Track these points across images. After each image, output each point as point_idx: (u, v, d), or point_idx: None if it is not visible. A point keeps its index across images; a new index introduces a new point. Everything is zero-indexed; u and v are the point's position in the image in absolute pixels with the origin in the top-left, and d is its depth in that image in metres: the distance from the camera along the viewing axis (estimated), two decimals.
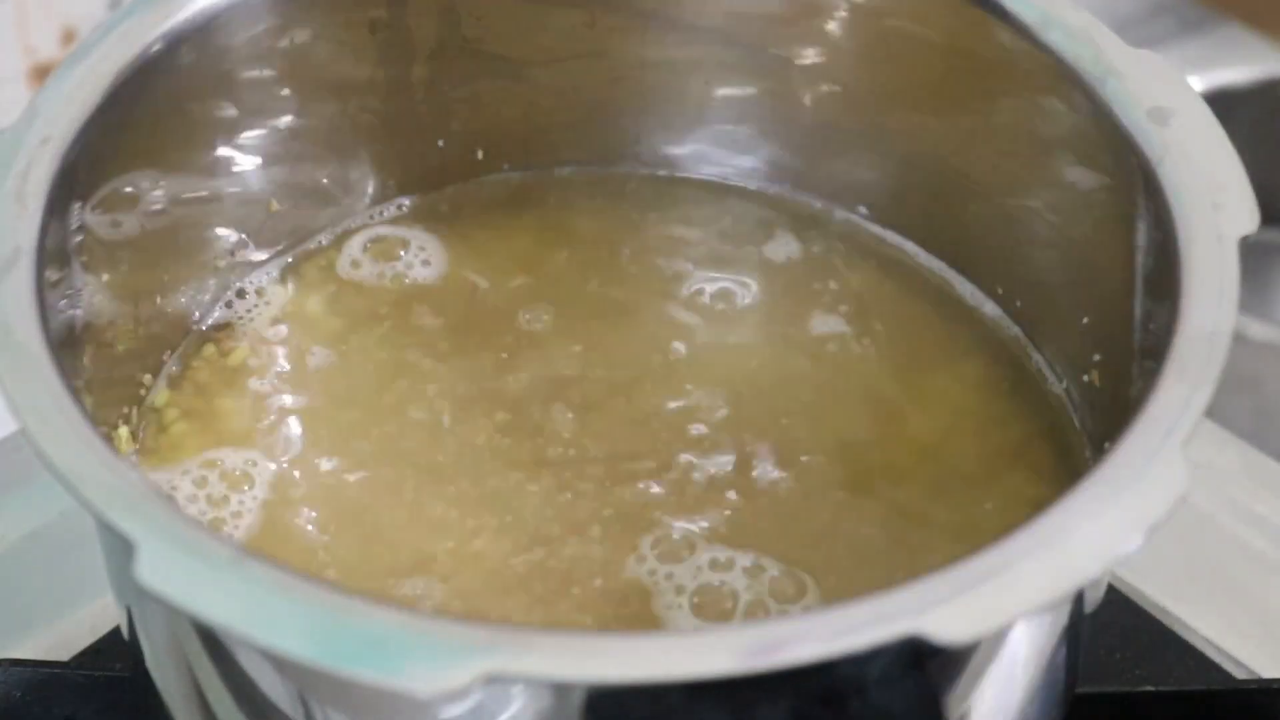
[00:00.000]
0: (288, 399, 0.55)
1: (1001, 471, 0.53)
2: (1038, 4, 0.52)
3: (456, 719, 0.40)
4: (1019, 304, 0.56)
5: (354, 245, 0.59)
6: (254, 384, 0.55)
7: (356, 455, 0.53)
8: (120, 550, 0.41)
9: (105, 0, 0.95)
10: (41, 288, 0.45)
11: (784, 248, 0.59)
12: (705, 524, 0.51)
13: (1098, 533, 0.40)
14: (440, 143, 0.60)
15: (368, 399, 0.55)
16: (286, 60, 0.55)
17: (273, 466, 0.53)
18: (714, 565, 0.50)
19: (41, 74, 0.93)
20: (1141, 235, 0.49)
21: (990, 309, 0.57)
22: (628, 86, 0.59)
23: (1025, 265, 0.56)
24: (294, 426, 0.55)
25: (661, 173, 0.61)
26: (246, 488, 0.52)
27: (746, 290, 0.59)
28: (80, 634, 0.60)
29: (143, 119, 0.51)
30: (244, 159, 0.56)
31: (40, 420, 0.42)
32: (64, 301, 0.48)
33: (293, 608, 0.38)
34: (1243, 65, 1.02)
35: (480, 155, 0.60)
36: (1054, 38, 0.51)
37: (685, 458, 0.53)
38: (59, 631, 0.60)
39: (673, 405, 0.55)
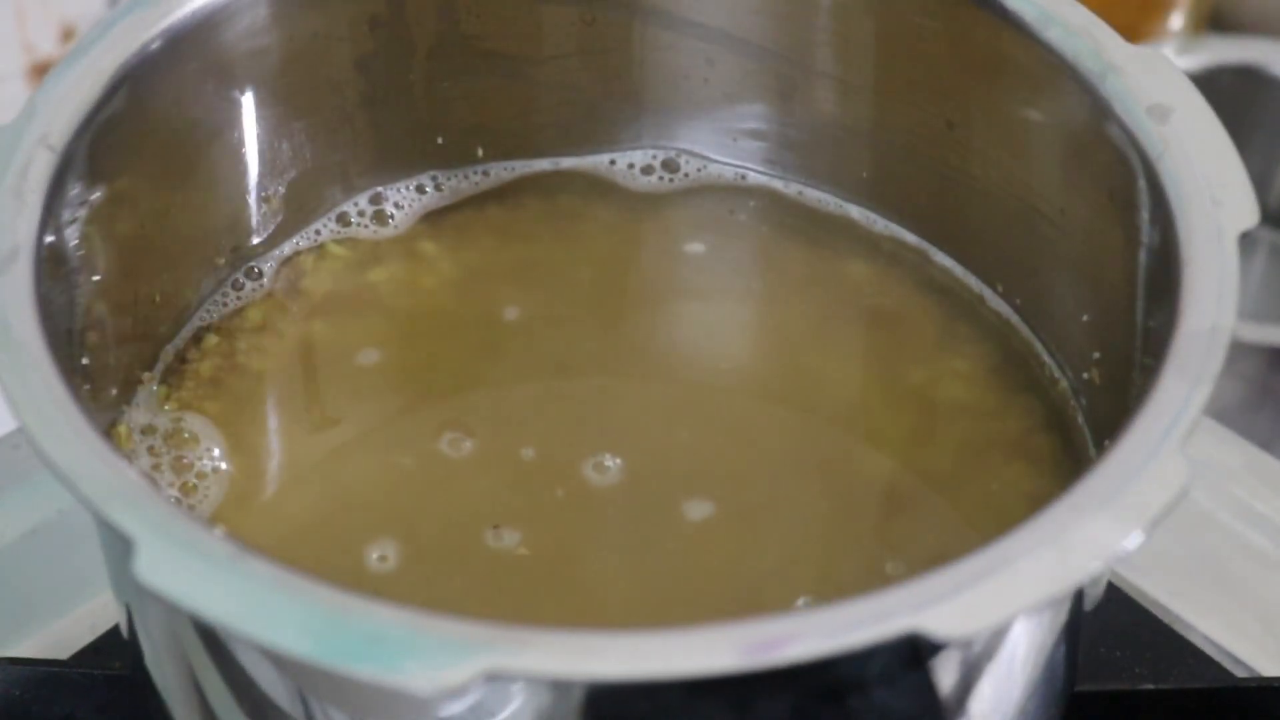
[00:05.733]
0: (288, 393, 0.55)
1: (1001, 464, 0.53)
2: (1037, 1, 0.52)
3: (456, 716, 0.40)
4: (1019, 300, 0.56)
5: (353, 241, 0.59)
6: (253, 379, 0.55)
7: (352, 443, 0.53)
8: (119, 548, 0.41)
9: None
10: (40, 285, 0.45)
11: (784, 242, 0.59)
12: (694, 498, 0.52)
13: (1098, 529, 0.40)
14: (439, 139, 0.60)
15: (365, 391, 0.55)
16: (286, 56, 0.55)
17: (271, 459, 0.53)
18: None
19: (40, 71, 0.93)
20: (1141, 232, 0.49)
21: (992, 302, 0.57)
22: (626, 83, 0.59)
23: (1024, 261, 0.56)
24: (294, 419, 0.55)
25: (660, 168, 0.61)
26: (245, 480, 0.52)
27: (746, 284, 0.59)
28: (79, 632, 0.60)
29: (142, 116, 0.51)
30: (243, 155, 0.56)
31: (39, 417, 0.42)
32: (63, 298, 0.48)
33: (292, 605, 0.38)
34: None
35: (480, 152, 0.60)
36: (1053, 35, 0.51)
37: (681, 440, 0.53)
38: (58, 630, 0.60)
39: (670, 397, 0.55)
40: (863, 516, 0.52)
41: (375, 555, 0.51)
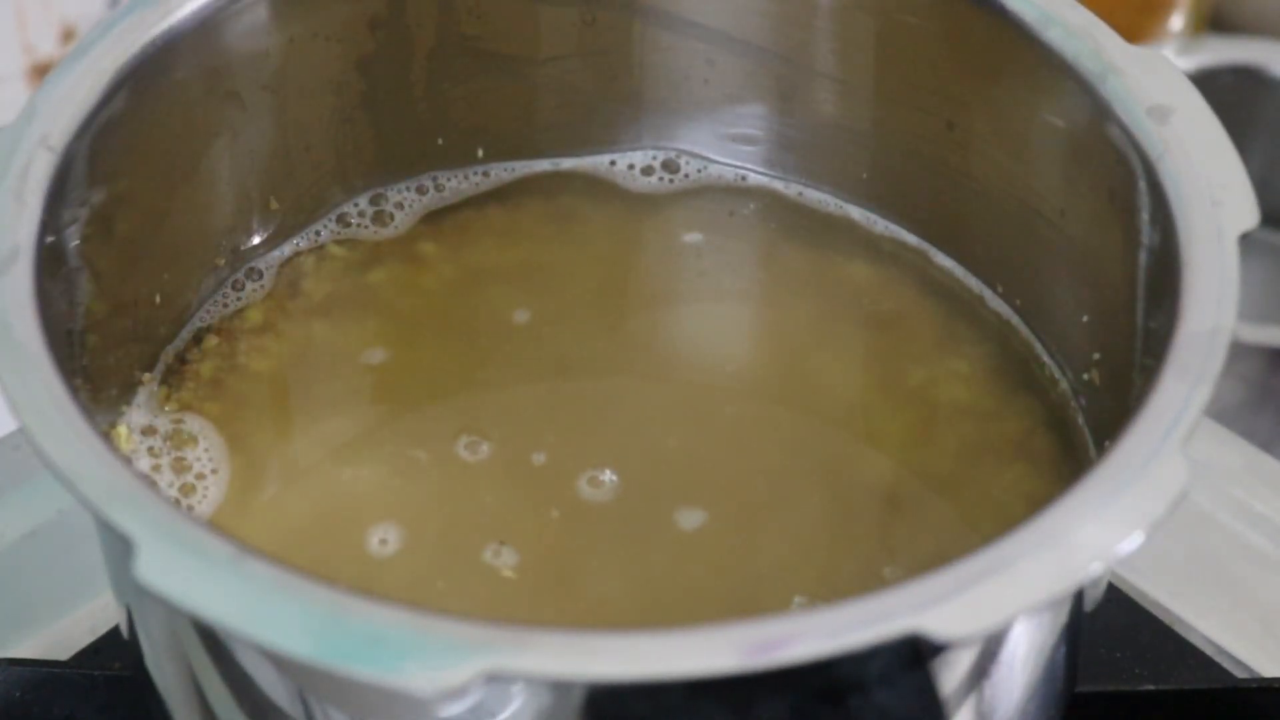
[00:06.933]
0: (288, 394, 0.55)
1: (1001, 465, 0.53)
2: (1038, 2, 0.52)
3: (456, 717, 0.40)
4: (1019, 301, 0.56)
5: (353, 241, 0.59)
6: (253, 380, 0.55)
7: (351, 444, 0.53)
8: (119, 548, 0.41)
9: None
10: (40, 286, 0.45)
11: (784, 242, 0.59)
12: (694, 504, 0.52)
13: (1098, 531, 0.40)
14: (439, 139, 0.60)
15: (365, 392, 0.55)
16: (286, 58, 0.55)
17: (271, 460, 0.53)
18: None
19: (40, 72, 0.93)
20: (1141, 233, 0.49)
21: (992, 302, 0.57)
22: (626, 83, 0.59)
23: (1024, 263, 0.56)
24: (293, 420, 0.55)
25: (661, 169, 0.61)
26: (245, 480, 0.52)
27: (746, 285, 0.59)
28: (79, 633, 0.60)
29: (141, 117, 0.51)
30: (243, 157, 0.56)
31: (39, 418, 0.42)
32: (63, 299, 0.48)
33: (292, 606, 0.38)
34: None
35: (480, 152, 0.60)
36: (1053, 35, 0.51)
37: (686, 444, 0.53)
38: (58, 631, 0.60)
39: (672, 398, 0.55)
40: (862, 519, 0.52)
41: (376, 539, 0.51)
